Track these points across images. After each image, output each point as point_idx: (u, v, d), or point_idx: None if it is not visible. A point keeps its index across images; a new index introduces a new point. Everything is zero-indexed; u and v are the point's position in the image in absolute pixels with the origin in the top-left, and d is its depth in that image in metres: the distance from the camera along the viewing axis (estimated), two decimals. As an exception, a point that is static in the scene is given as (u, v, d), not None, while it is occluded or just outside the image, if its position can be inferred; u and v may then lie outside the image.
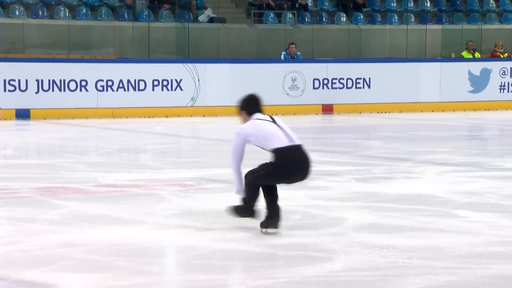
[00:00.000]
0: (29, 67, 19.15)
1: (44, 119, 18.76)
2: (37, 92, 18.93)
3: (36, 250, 6.47)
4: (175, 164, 12.05)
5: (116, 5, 24.80)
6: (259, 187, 7.01)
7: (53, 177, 10.60)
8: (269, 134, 6.99)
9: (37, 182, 10.11)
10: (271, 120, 7.10)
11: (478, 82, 22.58)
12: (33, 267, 5.97)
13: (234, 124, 18.27)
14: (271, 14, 25.92)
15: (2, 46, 22.18)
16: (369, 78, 21.57)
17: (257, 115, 7.13)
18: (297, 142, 7.01)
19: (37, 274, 5.76)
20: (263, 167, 7.00)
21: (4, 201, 8.70)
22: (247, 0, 26.34)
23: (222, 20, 25.03)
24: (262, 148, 7.06)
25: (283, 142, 6.95)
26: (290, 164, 6.94)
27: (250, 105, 7.20)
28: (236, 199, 7.12)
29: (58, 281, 5.58)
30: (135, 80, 19.71)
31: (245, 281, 5.58)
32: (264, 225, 7.01)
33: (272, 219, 6.97)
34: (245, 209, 7.07)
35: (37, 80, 18.93)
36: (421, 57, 25.35)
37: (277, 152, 6.92)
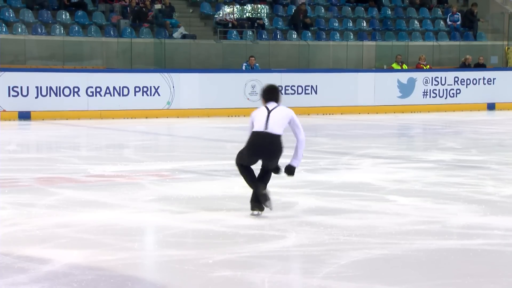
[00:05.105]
0: (30, 76, 18.93)
1: (43, 119, 18.57)
2: (36, 97, 18.73)
3: (35, 230, 6.40)
4: (153, 157, 11.98)
5: (104, 23, 24.58)
6: (242, 166, 6.86)
7: (50, 168, 10.49)
8: (256, 119, 6.83)
9: (36, 172, 10.00)
10: (269, 110, 6.81)
11: (405, 89, 22.76)
12: (32, 244, 5.90)
13: (204, 124, 18.41)
14: (234, 32, 25.85)
15: (6, 58, 21.89)
16: (316, 86, 21.64)
17: (269, 104, 6.88)
18: (267, 130, 6.72)
19: (36, 250, 5.70)
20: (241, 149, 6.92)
21: (8, 189, 8.60)
22: (214, 20, 26.25)
23: (193, 37, 24.93)
24: None
25: (259, 127, 6.78)
26: (250, 145, 6.80)
27: (265, 94, 6.94)
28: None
29: (54, 256, 5.53)
30: (119, 87, 19.58)
31: (212, 255, 5.57)
32: (251, 207, 6.93)
33: (255, 202, 6.91)
34: (261, 197, 6.81)
35: (37, 87, 18.74)
36: (359, 68, 25.45)
37: (251, 134, 6.84)
